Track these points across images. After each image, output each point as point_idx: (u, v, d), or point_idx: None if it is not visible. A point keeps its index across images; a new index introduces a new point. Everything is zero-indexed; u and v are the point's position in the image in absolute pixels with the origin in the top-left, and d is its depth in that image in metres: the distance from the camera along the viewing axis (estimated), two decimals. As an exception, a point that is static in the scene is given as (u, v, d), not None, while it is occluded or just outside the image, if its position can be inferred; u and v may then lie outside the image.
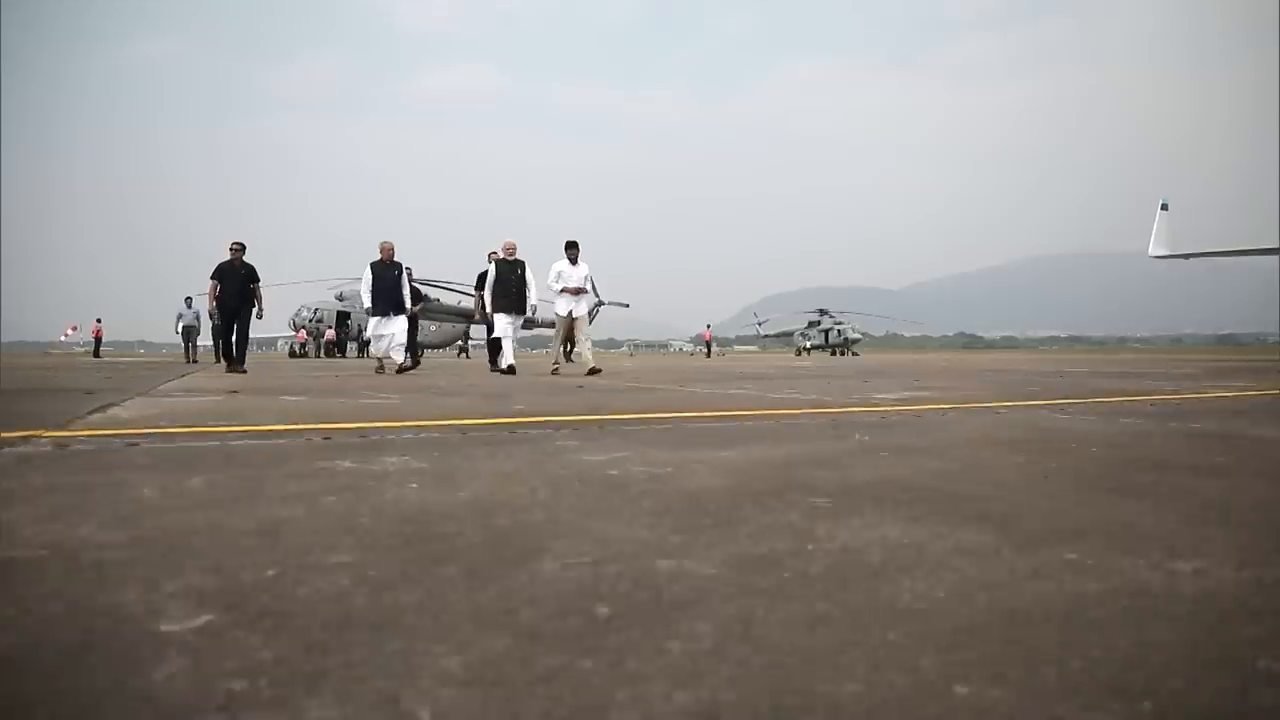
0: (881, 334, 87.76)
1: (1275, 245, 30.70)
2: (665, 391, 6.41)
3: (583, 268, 11.21)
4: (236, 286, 12.39)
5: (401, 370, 11.07)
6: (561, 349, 11.64)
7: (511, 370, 10.57)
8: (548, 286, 11.20)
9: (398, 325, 11.26)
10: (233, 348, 12.31)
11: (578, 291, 11.07)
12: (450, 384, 7.53)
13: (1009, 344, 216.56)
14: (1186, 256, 32.46)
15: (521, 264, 11.34)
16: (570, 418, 3.83)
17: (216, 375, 10.13)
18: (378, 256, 11.43)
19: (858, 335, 69.84)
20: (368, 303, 11.30)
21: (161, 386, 6.83)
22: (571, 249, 11.21)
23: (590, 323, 11.63)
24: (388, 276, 11.31)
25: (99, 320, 35.26)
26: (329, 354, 45.66)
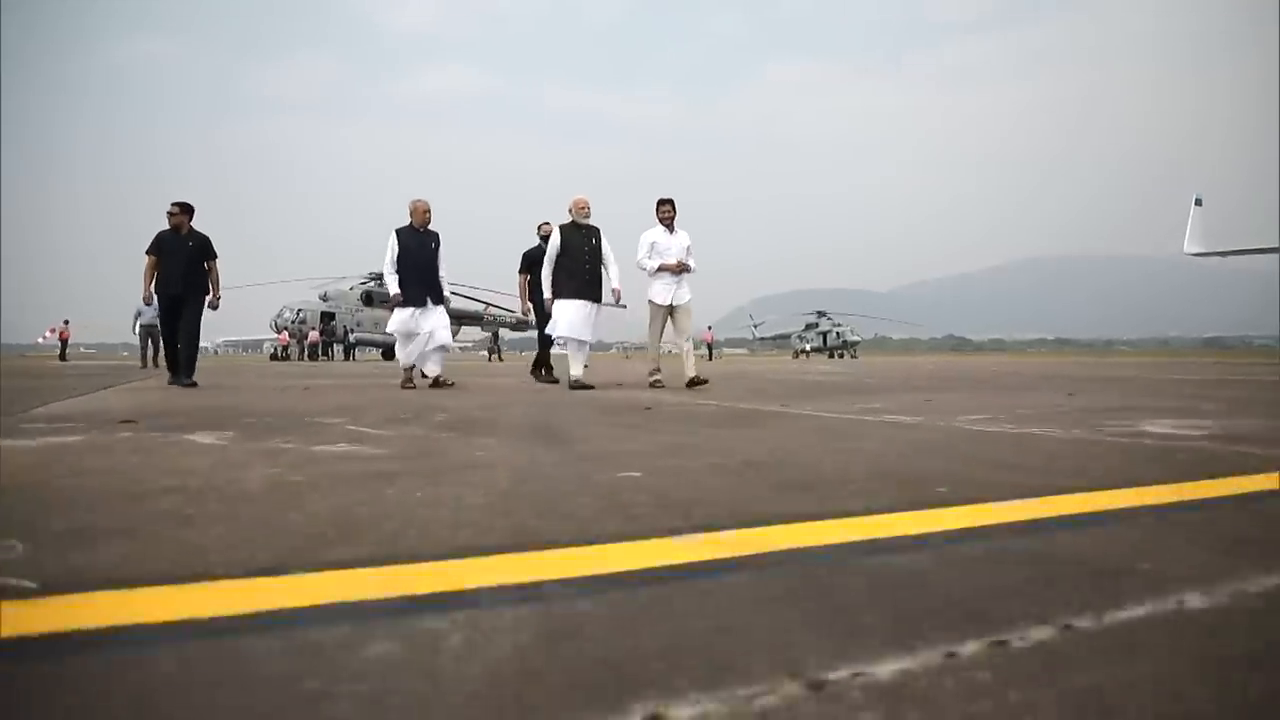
0: (870, 336, 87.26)
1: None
2: (804, 423, 4.46)
3: (682, 237, 8.16)
4: (182, 265, 8.56)
5: (437, 384, 8.10)
6: (658, 352, 8.54)
7: (580, 385, 7.77)
8: (636, 264, 8.17)
9: (435, 320, 8.08)
10: (176, 350, 8.66)
11: (679, 269, 8.06)
12: (487, 409, 5.57)
13: (997, 346, 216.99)
14: (1224, 254, 30.97)
15: (597, 232, 8.09)
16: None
17: (144, 390, 8.11)
18: (404, 222, 8.14)
19: (857, 338, 69.24)
20: (394, 287, 8.01)
21: (41, 409, 4.85)
22: (665, 208, 8.12)
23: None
24: (423, 249, 8.06)
25: (66, 322, 33.16)
26: (313, 356, 43.65)
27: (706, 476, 2.24)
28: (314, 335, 44.46)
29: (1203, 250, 29.87)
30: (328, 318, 45.60)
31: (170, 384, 8.31)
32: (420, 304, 8.02)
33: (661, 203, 8.18)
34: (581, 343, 8.01)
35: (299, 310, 45.48)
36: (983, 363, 25.06)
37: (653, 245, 8.07)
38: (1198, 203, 30.41)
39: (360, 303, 46.84)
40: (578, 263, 7.92)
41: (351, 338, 45.13)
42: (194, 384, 8.25)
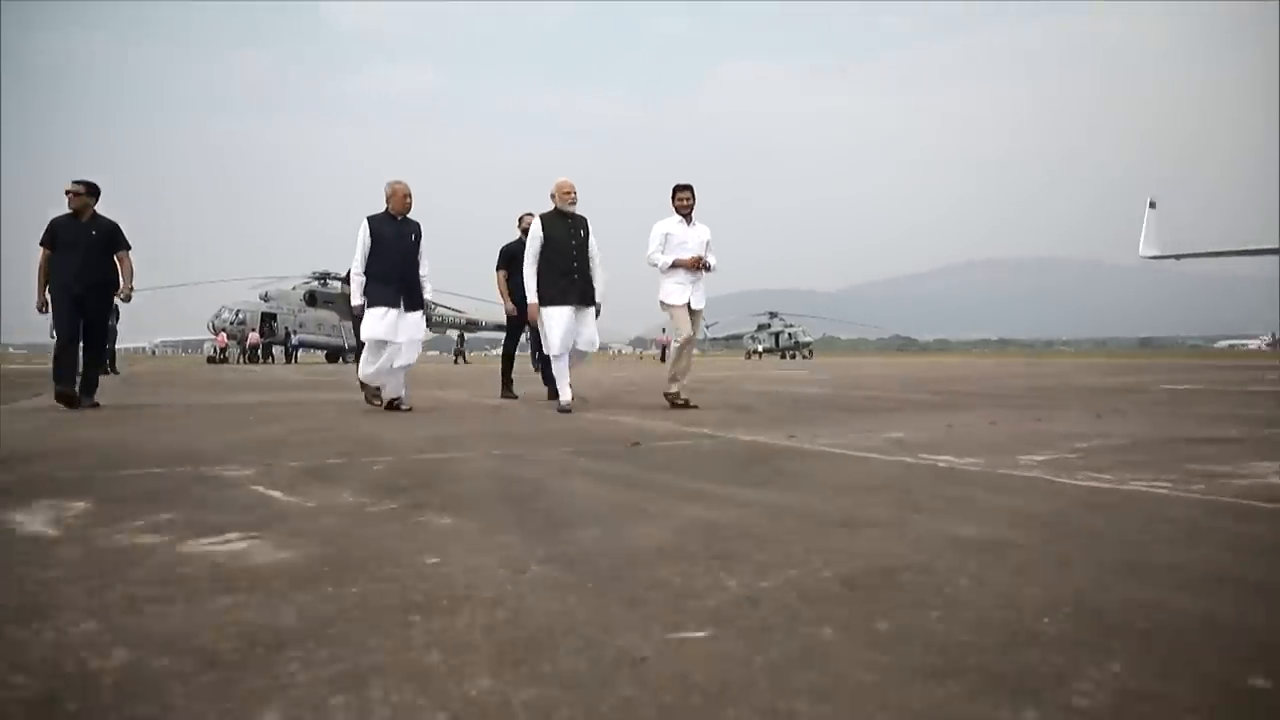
0: (819, 336, 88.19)
1: (1262, 246, 29.36)
2: (844, 471, 3.61)
3: (702, 230, 7.00)
4: (82, 258, 7.05)
5: (393, 407, 6.67)
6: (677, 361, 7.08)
7: (567, 410, 6.48)
8: (646, 260, 6.97)
9: (409, 328, 6.75)
10: (78, 365, 7.13)
11: (697, 266, 6.90)
12: (440, 446, 4.61)
13: (942, 346, 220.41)
14: (1178, 258, 31.11)
15: (584, 222, 6.85)
16: None
17: (21, 414, 6.99)
18: (380, 209, 6.84)
19: (809, 338, 69.92)
20: (357, 296, 6.72)
21: None
22: (683, 195, 6.91)
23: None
24: (401, 240, 6.76)
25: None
26: (252, 359, 41.94)
27: (816, 633, 1.37)
28: (254, 337, 42.75)
29: (1158, 253, 29.94)
30: (269, 319, 43.95)
31: (70, 406, 6.97)
32: (392, 303, 6.64)
33: (679, 189, 6.97)
34: (580, 354, 6.90)
35: (238, 311, 43.77)
36: (948, 365, 24.56)
37: (666, 238, 6.90)
38: (1151, 205, 30.44)
39: (303, 303, 45.21)
40: (563, 258, 6.65)
41: (294, 339, 43.50)
42: (95, 404, 7.12)
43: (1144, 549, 1.96)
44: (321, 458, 3.68)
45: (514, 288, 8.00)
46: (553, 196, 6.79)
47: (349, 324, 45.22)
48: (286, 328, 43.79)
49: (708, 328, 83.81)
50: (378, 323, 6.63)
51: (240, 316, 43.53)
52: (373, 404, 6.79)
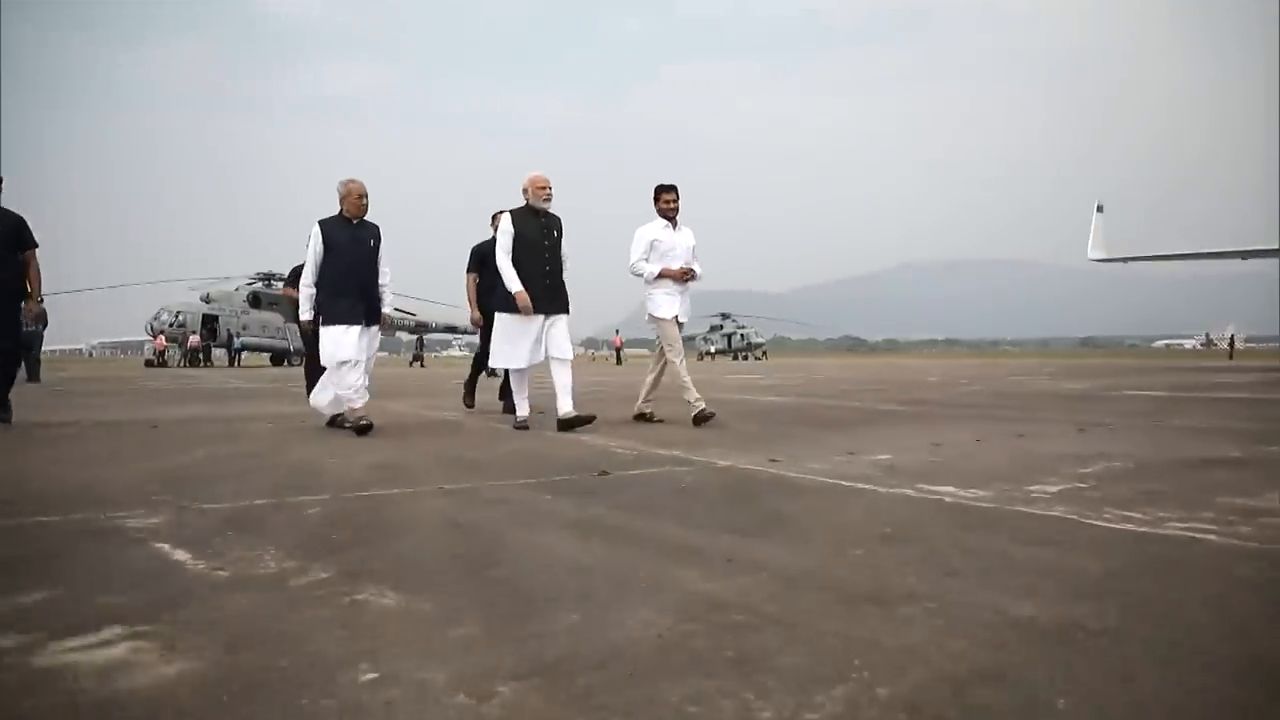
0: (770, 337, 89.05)
1: (1209, 250, 29.97)
2: (840, 512, 3.24)
3: (687, 234, 6.52)
4: None
5: (361, 428, 5.69)
6: (657, 377, 6.77)
7: (524, 426, 5.98)
8: (630, 270, 6.47)
9: (369, 345, 6.04)
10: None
11: (686, 277, 6.47)
12: (385, 480, 4.14)
13: (890, 347, 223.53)
14: (1125, 260, 31.56)
15: (558, 222, 6.21)
16: None
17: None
18: (333, 211, 6.03)
19: (762, 339, 70.35)
20: (306, 310, 6.07)
21: None
22: (668, 197, 6.41)
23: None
24: (358, 246, 5.99)
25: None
26: (193, 363, 40.59)
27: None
28: (195, 339, 41.36)
29: (1105, 256, 30.31)
30: (210, 320, 42.57)
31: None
32: (356, 320, 5.84)
33: (663, 190, 6.43)
34: (561, 362, 6.05)
35: (178, 313, 42.34)
36: (902, 368, 24.43)
37: (652, 244, 6.36)
38: (1099, 209, 30.84)
39: (247, 304, 43.92)
40: (535, 260, 5.94)
41: (237, 342, 42.18)
42: (6, 421, 6.50)
43: (1248, 632, 1.62)
44: (247, 496, 3.20)
45: (484, 293, 7.26)
46: (525, 191, 6.09)
47: (295, 326, 43.77)
48: (229, 330, 42.46)
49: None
50: (342, 343, 5.77)
51: (180, 319, 42.08)
52: (340, 424, 5.99)
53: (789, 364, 35.16)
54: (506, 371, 7.09)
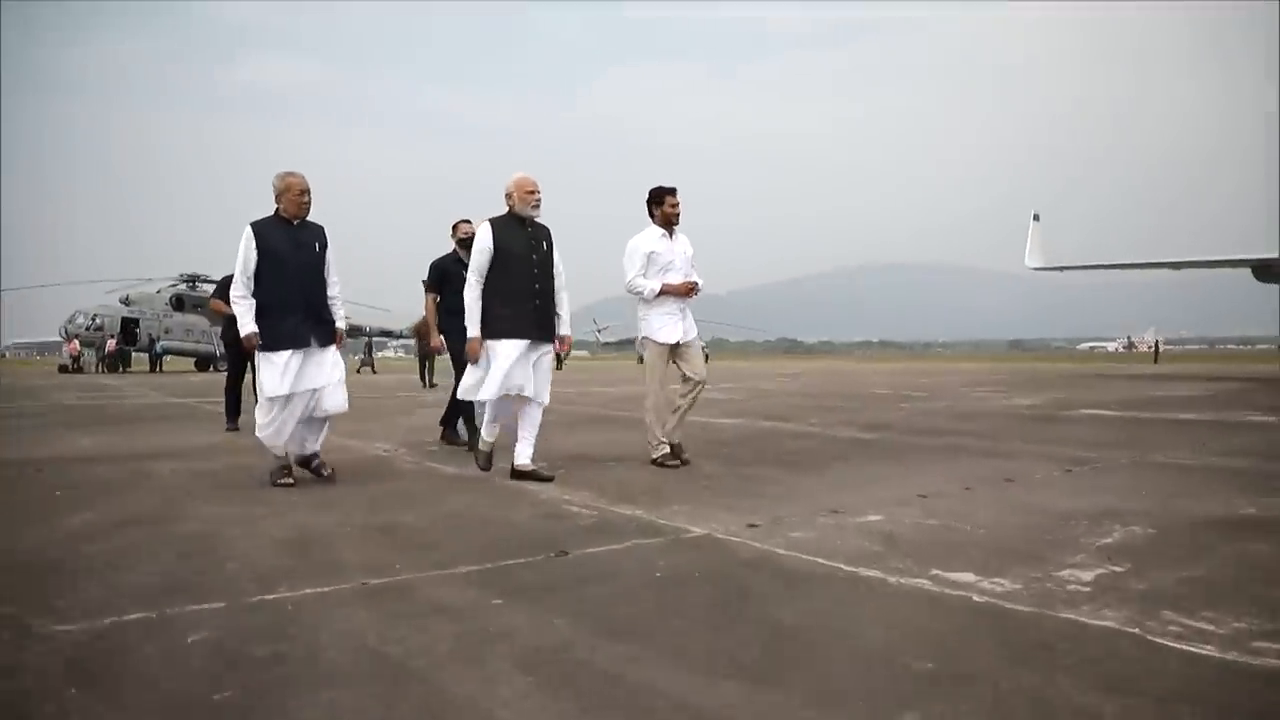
0: (709, 339, 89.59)
1: (1144, 260, 30.57)
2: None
3: (685, 243, 5.75)
4: None
5: (309, 467, 5.09)
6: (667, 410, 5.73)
7: (486, 464, 5.26)
8: (626, 287, 5.68)
9: (323, 370, 4.98)
10: None
11: (688, 292, 5.70)
12: (296, 563, 3.46)
13: (827, 349, 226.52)
14: (1062, 269, 32.02)
15: (548, 233, 5.18)
16: None
17: None
18: (266, 213, 4.99)
19: (701, 342, 70.43)
20: (247, 322, 4.84)
21: None
22: (671, 201, 5.65)
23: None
24: (301, 251, 4.95)
25: None
26: (111, 368, 38.72)
27: None
28: (113, 344, 39.46)
29: (1043, 265, 30.69)
30: (130, 324, 40.68)
31: None
32: (303, 342, 4.85)
33: (664, 193, 5.63)
34: (532, 406, 5.05)
35: (95, 316, 40.42)
36: (844, 375, 24.10)
37: (650, 257, 5.58)
38: (1035, 218, 31.24)
39: (169, 307, 42.12)
40: (521, 277, 4.94)
41: (158, 346, 40.36)
42: None
43: None
44: (116, 605, 2.54)
45: (447, 314, 6.47)
46: (509, 196, 5.03)
47: (220, 329, 42.17)
48: (150, 334, 40.61)
49: (599, 332, 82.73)
50: (281, 374, 4.77)
51: (98, 322, 40.14)
52: (281, 483, 4.80)
53: (729, 368, 34.79)
54: (461, 402, 6.33)
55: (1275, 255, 22.47)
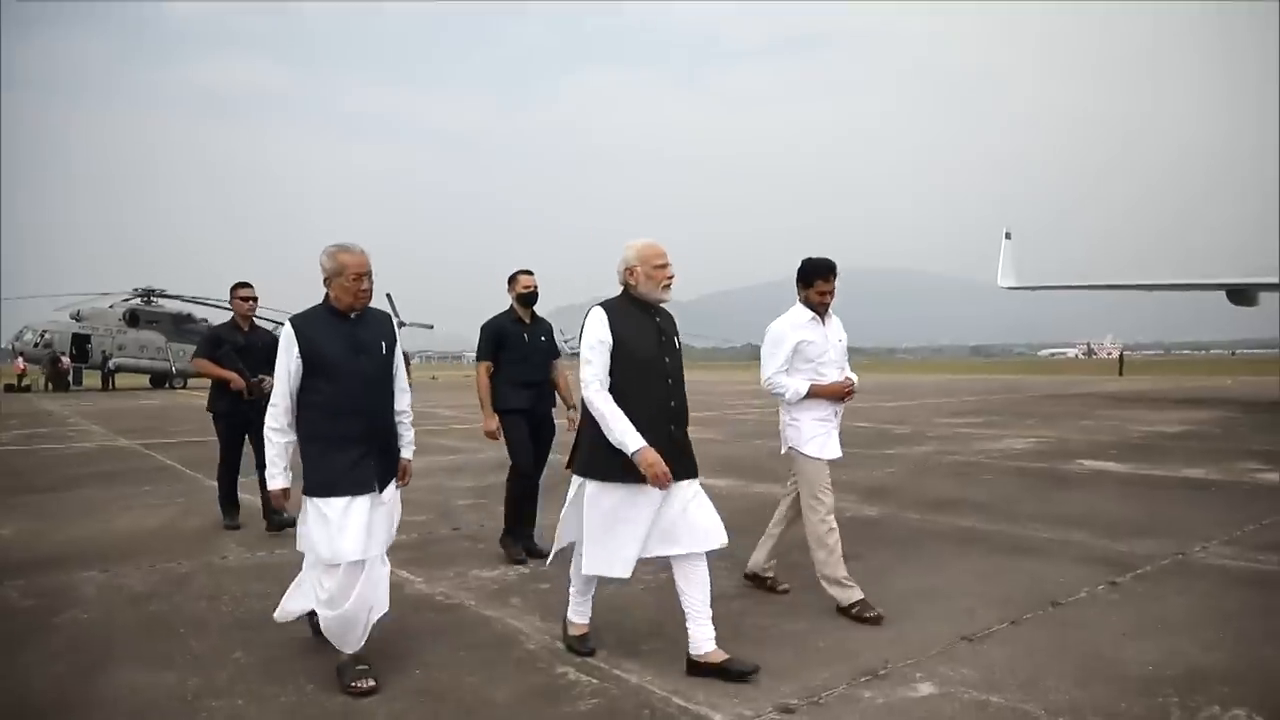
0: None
1: (1118, 282, 30.57)
2: None
3: (837, 327, 4.58)
4: None
5: (355, 688, 3.30)
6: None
7: (586, 650, 3.75)
8: (769, 385, 4.43)
9: (387, 524, 3.64)
10: None
11: (846, 394, 4.47)
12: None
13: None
14: (1035, 289, 31.93)
15: (673, 322, 3.82)
16: None
17: None
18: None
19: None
20: (277, 467, 3.58)
21: None
22: (826, 285, 4.42)
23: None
24: (364, 356, 3.57)
25: None
26: (60, 386, 37.33)
27: None
28: (65, 361, 38.07)
29: (1015, 284, 30.57)
30: (81, 340, 39.28)
31: None
32: (365, 486, 3.47)
33: (817, 273, 4.40)
34: (691, 558, 3.56)
35: (44, 332, 39.03)
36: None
37: (797, 349, 4.37)
38: (1007, 236, 31.13)
39: (123, 322, 40.73)
40: (652, 389, 3.57)
41: (111, 363, 39.03)
42: None
43: None
44: None
45: (499, 388, 5.37)
46: (631, 273, 3.64)
47: (176, 345, 41.01)
48: (103, 351, 39.23)
49: (566, 341, 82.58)
50: (340, 534, 3.39)
51: (46, 339, 38.70)
52: (358, 686, 3.31)
53: (697, 381, 34.23)
54: (517, 487, 5.38)
55: (1250, 280, 22.45)
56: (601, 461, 3.51)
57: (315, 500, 3.43)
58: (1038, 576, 4.94)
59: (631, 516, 3.50)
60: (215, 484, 6.73)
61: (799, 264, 4.53)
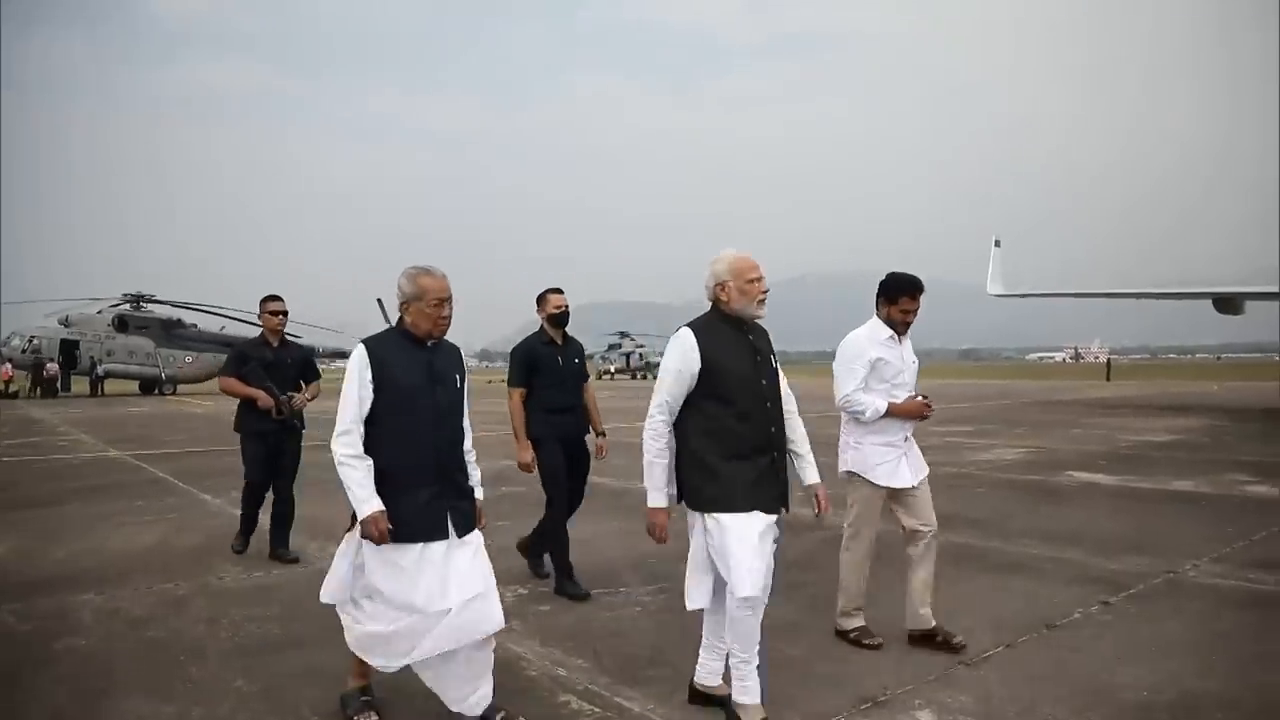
0: (664, 350, 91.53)
1: (1107, 290, 30.80)
2: None
3: (909, 348, 4.34)
4: None
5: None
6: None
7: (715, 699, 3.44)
8: (845, 404, 4.19)
9: (476, 572, 3.22)
10: None
11: (923, 414, 4.29)
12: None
13: (781, 358, 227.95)
14: (1024, 296, 32.15)
15: (768, 338, 3.62)
16: None
17: None
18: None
19: (657, 358, 71.55)
20: (365, 491, 3.12)
21: None
22: (910, 302, 4.18)
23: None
24: (436, 385, 3.30)
25: None
26: (49, 393, 37.13)
27: None
28: (53, 367, 37.87)
29: (1004, 291, 30.76)
30: (70, 346, 39.09)
31: None
32: (439, 532, 3.17)
33: (898, 290, 4.16)
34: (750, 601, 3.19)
35: (32, 338, 38.79)
36: (807, 398, 23.17)
37: (873, 365, 4.15)
38: (996, 244, 31.32)
39: (112, 328, 40.53)
40: (753, 414, 3.31)
41: (100, 369, 38.88)
42: None
43: None
44: None
45: (533, 414, 5.10)
46: (722, 288, 3.37)
47: (166, 351, 40.83)
48: (92, 357, 39.05)
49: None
50: (412, 582, 3.09)
51: (35, 344, 38.45)
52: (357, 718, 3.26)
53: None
54: (558, 525, 5.13)
55: (1236, 289, 22.64)
56: (715, 498, 3.24)
57: (383, 548, 3.10)
58: (1031, 597, 4.99)
59: (746, 545, 3.16)
60: (207, 498, 6.71)
61: (883, 278, 4.25)
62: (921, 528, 4.26)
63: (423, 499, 3.16)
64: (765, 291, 3.37)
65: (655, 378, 3.50)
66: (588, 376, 5.47)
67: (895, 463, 4.19)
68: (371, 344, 3.25)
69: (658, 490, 3.31)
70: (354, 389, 3.18)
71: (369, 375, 3.18)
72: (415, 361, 3.25)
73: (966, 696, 3.52)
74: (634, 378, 66.20)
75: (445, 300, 3.26)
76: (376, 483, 3.13)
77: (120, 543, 6.71)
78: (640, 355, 73.19)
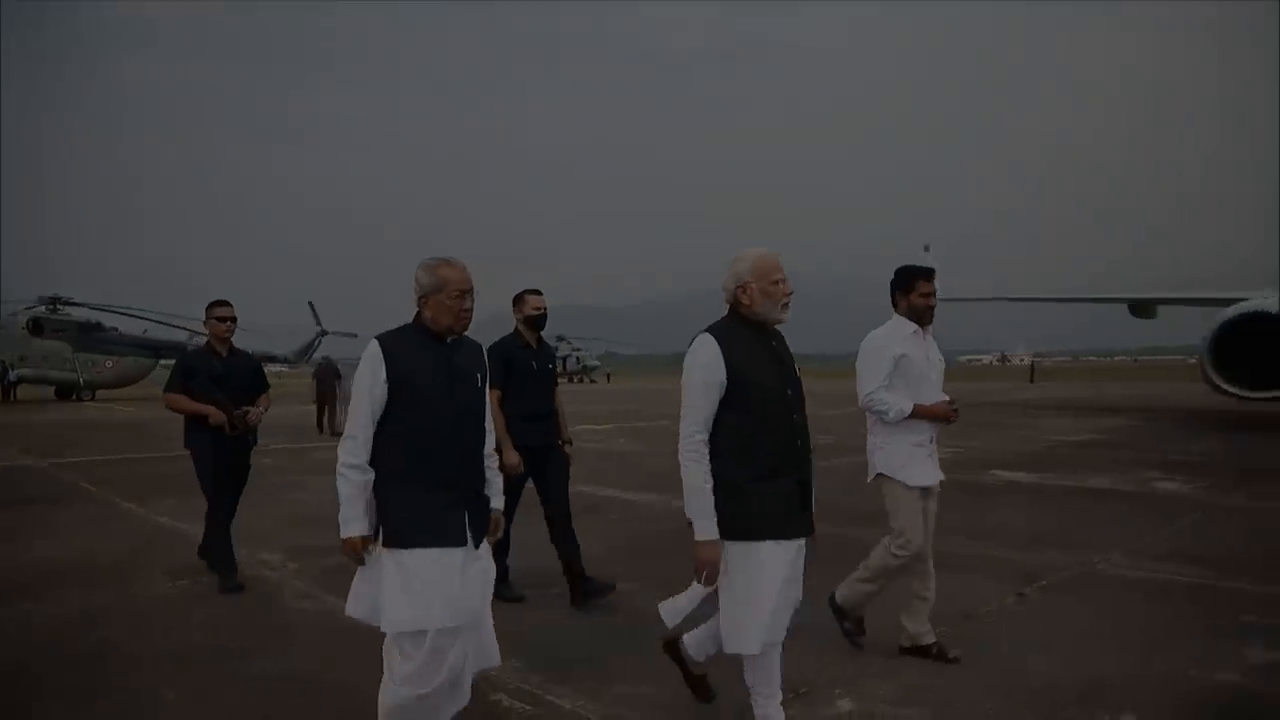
0: (601, 352, 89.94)
1: (1031, 295, 31.80)
2: None
3: (933, 343, 4.15)
4: None
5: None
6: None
7: (698, 688, 3.48)
8: (869, 404, 4.01)
9: (480, 580, 2.99)
10: None
11: (950, 416, 4.08)
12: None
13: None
14: (957, 300, 33.08)
15: (786, 345, 3.26)
16: None
17: None
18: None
19: (595, 362, 71.59)
20: (354, 507, 2.89)
21: None
22: (916, 289, 4.01)
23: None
24: (457, 384, 3.00)
25: None
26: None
27: None
28: (-35, 374, 36.25)
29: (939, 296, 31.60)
30: (-17, 350, 37.42)
31: None
32: (455, 538, 2.89)
33: (914, 276, 4.02)
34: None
35: (-61, 343, 36.96)
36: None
37: (898, 362, 3.96)
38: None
39: (26, 332, 38.94)
40: (779, 428, 3.05)
41: (13, 374, 37.29)
42: None
43: None
44: None
45: (512, 417, 4.86)
46: (744, 290, 3.08)
47: (84, 355, 39.35)
48: (4, 361, 37.46)
49: (576, 351, 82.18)
50: (421, 593, 2.79)
51: (-59, 349, 36.75)
52: None
53: (629, 393, 34.48)
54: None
55: (1149, 295, 23.69)
56: (743, 527, 2.98)
57: (396, 553, 2.83)
58: (954, 589, 5.16)
59: (771, 574, 3.00)
60: (130, 506, 6.52)
61: (894, 272, 4.13)
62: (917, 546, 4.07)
63: (438, 503, 2.89)
64: (790, 293, 3.09)
65: (592, 382, 3.50)
66: (557, 382, 5.34)
67: (923, 462, 4.04)
68: (386, 340, 2.96)
69: (708, 518, 2.93)
70: (366, 387, 2.91)
71: (383, 373, 2.90)
72: (435, 359, 2.98)
73: (887, 686, 3.67)
74: (571, 381, 64.55)
75: (467, 292, 2.98)
76: (388, 484, 2.90)
77: (43, 552, 6.51)
78: (578, 359, 71.37)
